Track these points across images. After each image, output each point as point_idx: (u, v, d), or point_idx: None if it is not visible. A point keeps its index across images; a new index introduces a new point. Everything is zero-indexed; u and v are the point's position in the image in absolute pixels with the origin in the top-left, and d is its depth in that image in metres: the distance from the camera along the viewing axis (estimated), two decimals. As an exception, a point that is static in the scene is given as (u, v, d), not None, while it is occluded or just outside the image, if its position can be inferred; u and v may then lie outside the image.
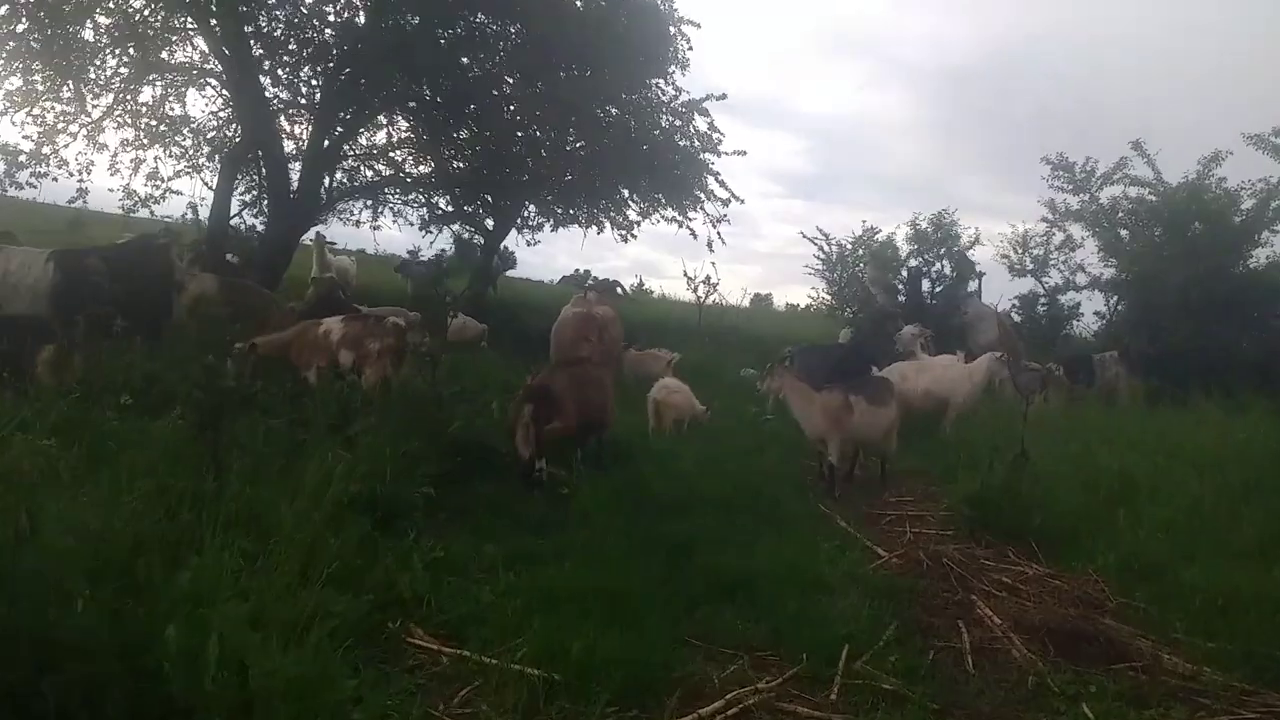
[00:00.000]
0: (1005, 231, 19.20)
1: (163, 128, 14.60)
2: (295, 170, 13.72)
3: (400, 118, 15.15)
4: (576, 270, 41.97)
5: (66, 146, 14.10)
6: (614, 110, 17.23)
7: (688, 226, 17.41)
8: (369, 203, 16.62)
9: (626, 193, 18.25)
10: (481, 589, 4.50)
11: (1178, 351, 12.03)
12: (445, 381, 7.25)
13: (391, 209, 17.15)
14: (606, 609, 4.24)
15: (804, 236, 19.77)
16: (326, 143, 13.52)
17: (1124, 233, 14.28)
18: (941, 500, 7.42)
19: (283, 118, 13.82)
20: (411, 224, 17.99)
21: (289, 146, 14.24)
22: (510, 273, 41.78)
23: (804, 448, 8.22)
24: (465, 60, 14.33)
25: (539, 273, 36.38)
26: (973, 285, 15.55)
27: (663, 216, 18.11)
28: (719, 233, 17.24)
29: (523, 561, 4.86)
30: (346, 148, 14.57)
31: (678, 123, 17.11)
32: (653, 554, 5.22)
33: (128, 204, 15.16)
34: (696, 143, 16.68)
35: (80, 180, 14.32)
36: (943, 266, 16.58)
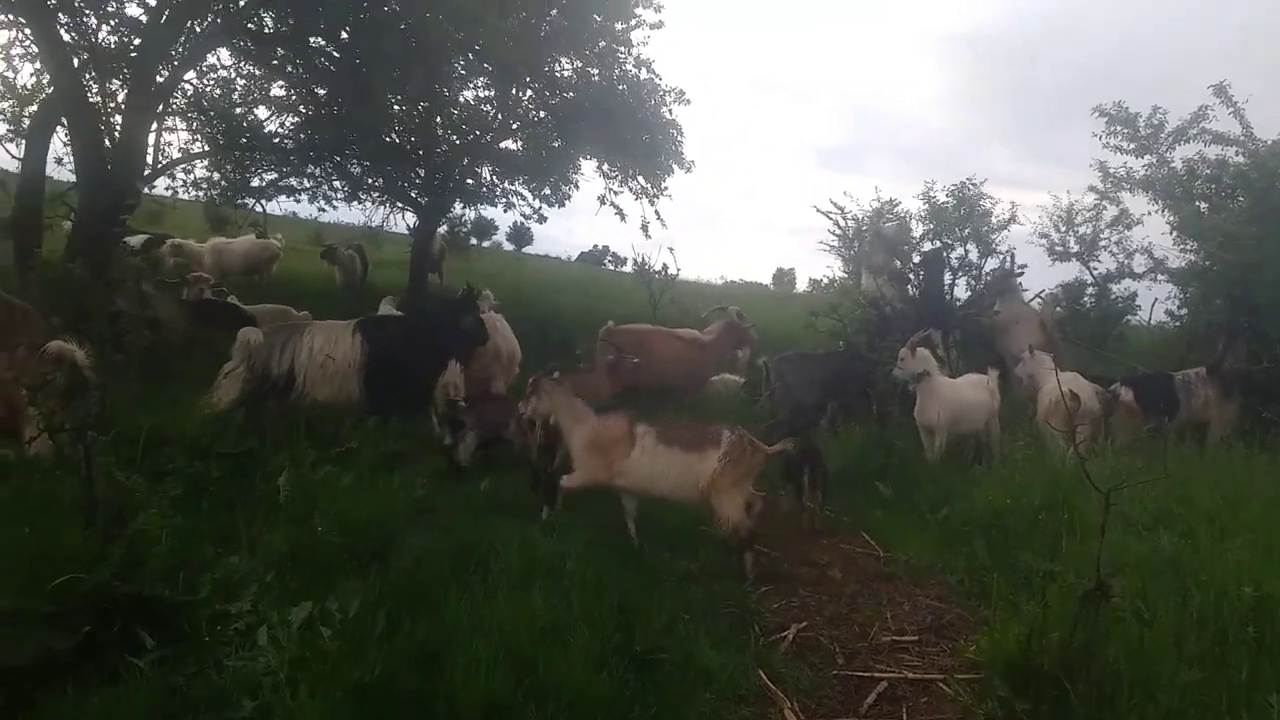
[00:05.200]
0: (1044, 203, 16.72)
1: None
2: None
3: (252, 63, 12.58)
4: (595, 246, 39.90)
5: None
6: (571, 63, 14.92)
7: (612, 204, 15.35)
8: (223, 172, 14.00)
9: (588, 163, 15.94)
10: None
11: (1288, 367, 9.35)
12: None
13: (260, 176, 14.49)
14: None
15: (818, 210, 17.63)
16: (157, 83, 10.96)
17: (1202, 205, 11.62)
18: (964, 640, 4.90)
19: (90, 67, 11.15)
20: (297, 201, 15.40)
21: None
22: (528, 249, 39.75)
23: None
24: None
25: (558, 248, 34.52)
26: (1014, 281, 12.77)
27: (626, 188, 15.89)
28: (657, 211, 15.22)
29: None
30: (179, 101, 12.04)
31: (642, 75, 14.84)
32: None
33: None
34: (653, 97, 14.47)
35: None
36: (966, 252, 13.81)
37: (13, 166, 12.17)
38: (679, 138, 15.50)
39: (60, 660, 3.49)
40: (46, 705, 3.33)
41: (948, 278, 13.06)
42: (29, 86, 12.22)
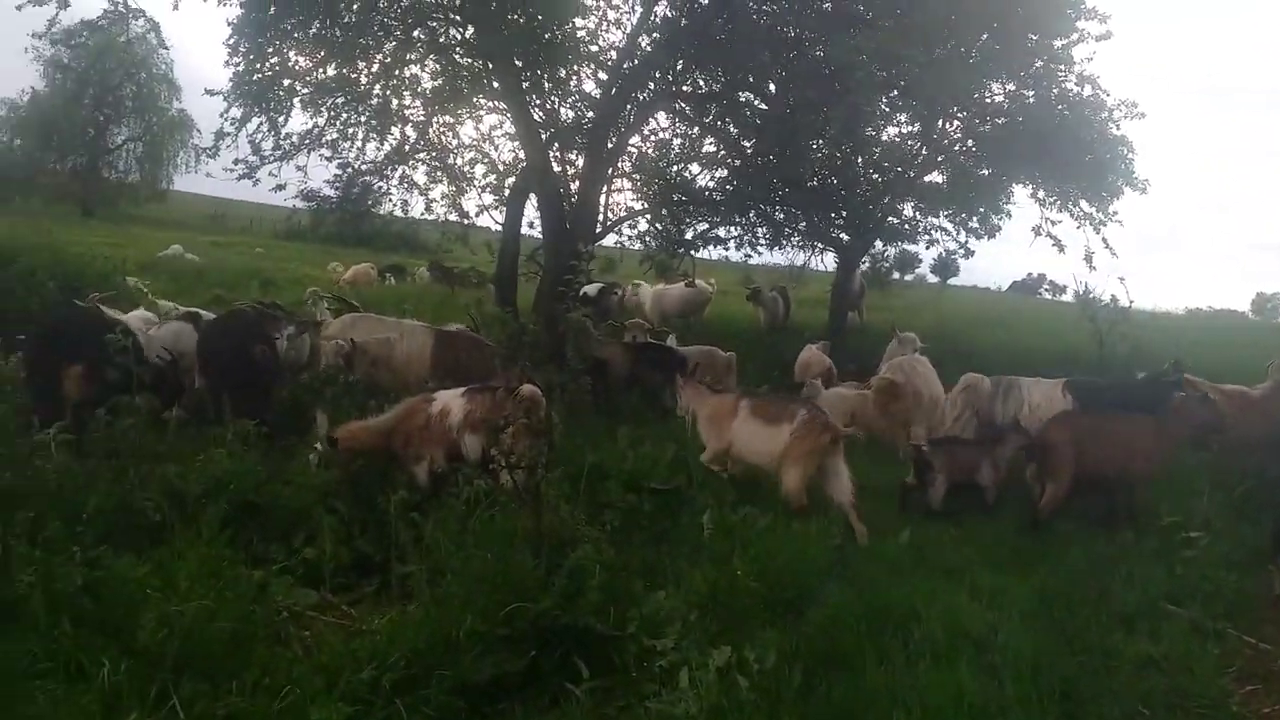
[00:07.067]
0: None
1: (459, 161, 14.55)
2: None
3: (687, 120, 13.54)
4: (1029, 275, 37.20)
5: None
6: (1005, 85, 14.00)
7: (1049, 234, 13.82)
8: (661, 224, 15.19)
9: (1021, 190, 14.81)
10: None
11: None
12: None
13: (693, 227, 15.50)
14: None
15: None
16: (607, 149, 12.27)
17: None
18: None
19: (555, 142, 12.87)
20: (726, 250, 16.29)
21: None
22: (953, 280, 38.66)
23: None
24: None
25: (986, 278, 33.32)
26: None
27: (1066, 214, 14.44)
28: (1104, 239, 13.43)
29: None
30: (624, 165, 13.31)
31: (1085, 92, 13.41)
32: None
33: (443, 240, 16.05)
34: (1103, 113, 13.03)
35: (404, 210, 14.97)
36: None
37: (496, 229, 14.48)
38: (1129, 155, 13.79)
39: (510, 681, 3.87)
40: (497, 720, 3.70)
41: None
42: (508, 161, 14.39)
